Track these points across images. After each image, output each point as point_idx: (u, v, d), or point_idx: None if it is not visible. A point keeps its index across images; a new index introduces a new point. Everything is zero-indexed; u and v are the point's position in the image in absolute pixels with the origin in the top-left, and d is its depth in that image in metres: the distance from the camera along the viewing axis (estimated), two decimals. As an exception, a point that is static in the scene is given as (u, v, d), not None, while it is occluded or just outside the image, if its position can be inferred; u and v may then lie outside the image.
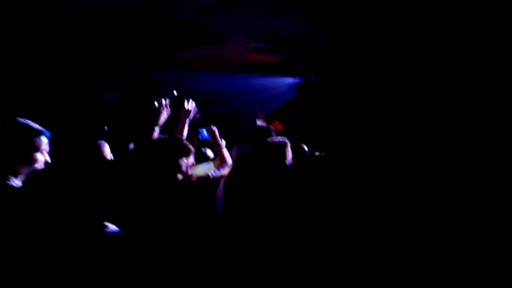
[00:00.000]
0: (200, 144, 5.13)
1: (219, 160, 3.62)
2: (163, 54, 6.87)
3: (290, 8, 4.68)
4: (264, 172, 2.55)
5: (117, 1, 4.37)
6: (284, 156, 2.87)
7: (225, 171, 3.47)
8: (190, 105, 3.67)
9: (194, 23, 5.17)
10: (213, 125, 3.75)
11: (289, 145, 2.97)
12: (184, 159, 2.69)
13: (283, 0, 4.45)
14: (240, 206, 2.33)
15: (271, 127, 3.97)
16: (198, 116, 7.41)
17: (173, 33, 5.67)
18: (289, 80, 8.06)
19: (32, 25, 5.30)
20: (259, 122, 4.36)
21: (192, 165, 2.98)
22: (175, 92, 9.95)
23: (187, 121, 3.59)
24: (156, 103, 3.53)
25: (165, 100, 3.47)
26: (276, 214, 2.27)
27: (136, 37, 5.91)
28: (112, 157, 3.78)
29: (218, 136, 3.69)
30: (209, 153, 4.58)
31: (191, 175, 2.76)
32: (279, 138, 3.09)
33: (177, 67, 7.58)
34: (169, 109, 3.55)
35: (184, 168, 2.67)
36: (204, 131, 3.89)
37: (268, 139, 3.14)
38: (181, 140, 2.90)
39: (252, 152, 2.93)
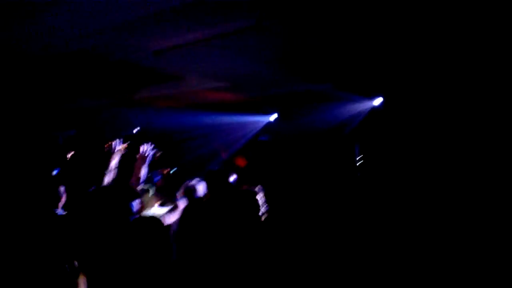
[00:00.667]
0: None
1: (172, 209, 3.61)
2: (122, 94, 6.85)
3: (245, 52, 4.79)
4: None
5: (69, 46, 4.37)
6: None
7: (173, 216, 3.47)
8: (146, 149, 3.67)
9: (152, 67, 5.20)
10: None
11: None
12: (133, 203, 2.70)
13: (236, 45, 4.53)
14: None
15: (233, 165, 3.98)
16: (158, 154, 7.38)
17: (131, 74, 5.68)
18: (254, 117, 8.13)
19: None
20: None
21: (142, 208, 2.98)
22: (138, 128, 9.91)
23: (144, 165, 3.58)
24: (108, 147, 3.51)
25: (116, 143, 3.45)
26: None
27: (93, 78, 5.90)
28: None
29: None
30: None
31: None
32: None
33: (138, 105, 7.57)
34: (121, 152, 3.53)
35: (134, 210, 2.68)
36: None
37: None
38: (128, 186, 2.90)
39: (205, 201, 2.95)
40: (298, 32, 4.32)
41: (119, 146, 3.83)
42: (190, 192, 3.55)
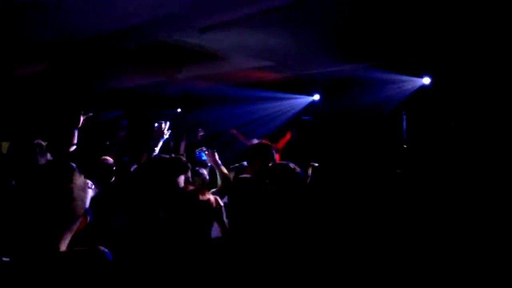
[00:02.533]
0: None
1: (223, 182, 3.59)
2: (167, 73, 6.92)
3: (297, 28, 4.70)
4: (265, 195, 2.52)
5: (114, 24, 4.41)
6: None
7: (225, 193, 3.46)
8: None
9: (198, 44, 5.20)
10: (212, 148, 3.72)
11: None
12: (181, 176, 2.70)
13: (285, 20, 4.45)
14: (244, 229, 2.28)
15: (270, 145, 3.89)
16: (201, 133, 7.45)
17: (176, 53, 5.70)
18: (297, 97, 8.07)
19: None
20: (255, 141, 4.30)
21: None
22: (179, 109, 10.02)
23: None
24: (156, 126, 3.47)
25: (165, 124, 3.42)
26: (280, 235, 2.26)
27: (138, 57, 5.97)
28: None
29: (217, 158, 3.67)
30: (205, 173, 4.53)
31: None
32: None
33: (181, 85, 7.63)
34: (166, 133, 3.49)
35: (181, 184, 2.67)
36: (204, 155, 3.86)
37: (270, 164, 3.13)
38: (179, 158, 2.87)
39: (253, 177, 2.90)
40: (344, 9, 4.20)
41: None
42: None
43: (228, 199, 2.65)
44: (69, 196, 1.38)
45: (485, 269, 2.55)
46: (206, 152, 3.73)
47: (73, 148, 3.54)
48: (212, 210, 2.31)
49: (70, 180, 1.40)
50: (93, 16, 4.30)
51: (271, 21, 4.49)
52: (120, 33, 4.77)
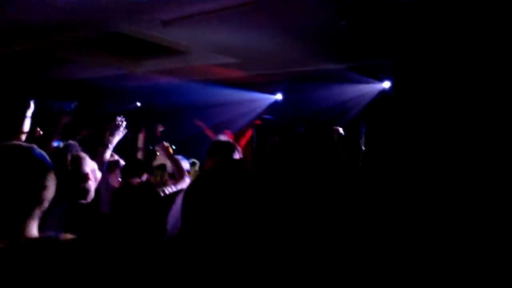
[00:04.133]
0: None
1: (178, 175, 3.51)
2: (127, 66, 6.72)
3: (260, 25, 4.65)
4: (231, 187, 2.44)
5: (73, 14, 4.23)
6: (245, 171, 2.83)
7: (182, 185, 3.38)
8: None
9: (160, 37, 5.07)
10: (165, 142, 3.63)
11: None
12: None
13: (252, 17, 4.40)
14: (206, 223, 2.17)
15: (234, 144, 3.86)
16: (161, 128, 7.30)
17: (137, 45, 5.54)
18: (260, 96, 8.05)
19: None
20: (222, 137, 4.23)
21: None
22: (138, 103, 9.82)
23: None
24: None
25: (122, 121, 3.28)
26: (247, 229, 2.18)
27: (97, 48, 5.77)
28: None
29: (171, 151, 3.58)
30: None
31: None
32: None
33: (141, 79, 7.45)
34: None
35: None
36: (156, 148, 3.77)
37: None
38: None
39: (217, 166, 2.83)
40: (308, 8, 4.19)
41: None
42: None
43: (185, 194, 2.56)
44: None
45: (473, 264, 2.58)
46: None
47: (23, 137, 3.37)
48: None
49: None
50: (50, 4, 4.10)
51: (235, 18, 4.43)
52: (80, 22, 4.59)
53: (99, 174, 2.51)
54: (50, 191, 1.33)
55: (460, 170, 4.87)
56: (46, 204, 1.31)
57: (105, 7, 4.03)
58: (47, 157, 1.34)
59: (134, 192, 2.59)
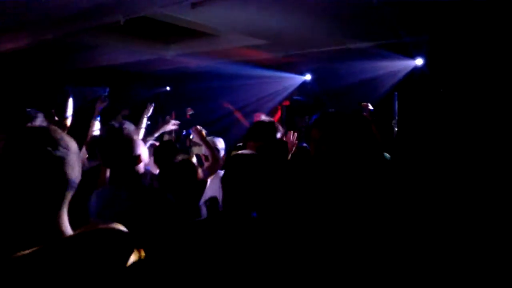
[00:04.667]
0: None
1: (212, 161, 3.48)
2: (156, 50, 6.75)
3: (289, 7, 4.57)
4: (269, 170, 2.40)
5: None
6: (287, 154, 2.80)
7: (216, 168, 3.38)
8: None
9: (189, 20, 5.05)
10: (199, 126, 3.60)
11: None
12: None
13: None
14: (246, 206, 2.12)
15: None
16: (190, 111, 7.33)
17: (166, 29, 5.54)
18: (289, 76, 7.98)
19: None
20: (264, 117, 4.14)
21: None
22: (168, 88, 9.88)
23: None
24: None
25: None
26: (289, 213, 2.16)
27: (126, 33, 5.80)
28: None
29: (205, 136, 3.56)
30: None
31: None
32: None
33: (171, 62, 7.47)
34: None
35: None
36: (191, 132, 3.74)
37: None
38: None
39: (259, 149, 2.79)
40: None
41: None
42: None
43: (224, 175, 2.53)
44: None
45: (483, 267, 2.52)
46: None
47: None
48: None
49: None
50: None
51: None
52: (109, 7, 4.60)
53: (146, 156, 2.53)
54: (75, 171, 1.13)
55: (500, 155, 4.74)
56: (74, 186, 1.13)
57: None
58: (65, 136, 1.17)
59: (181, 170, 2.58)
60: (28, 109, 2.65)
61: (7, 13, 4.84)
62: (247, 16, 4.96)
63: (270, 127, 2.97)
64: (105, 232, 1.11)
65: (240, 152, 2.15)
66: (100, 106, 3.95)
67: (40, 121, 2.81)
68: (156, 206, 2.26)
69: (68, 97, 3.66)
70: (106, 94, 5.18)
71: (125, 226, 1.16)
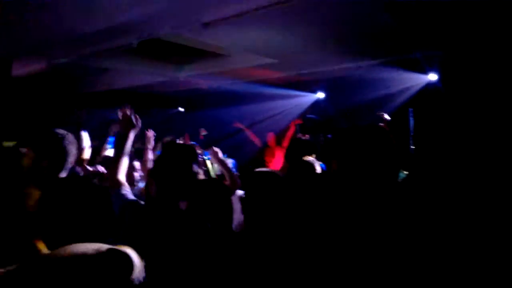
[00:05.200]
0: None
1: (230, 182, 3.43)
2: (169, 71, 6.80)
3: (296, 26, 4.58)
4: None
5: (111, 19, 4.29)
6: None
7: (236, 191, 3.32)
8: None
9: (200, 40, 5.08)
10: (215, 147, 3.59)
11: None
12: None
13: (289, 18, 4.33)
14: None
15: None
16: (204, 132, 7.32)
17: (178, 49, 5.59)
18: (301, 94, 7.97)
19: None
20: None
21: None
22: (181, 108, 9.92)
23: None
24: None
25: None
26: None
27: (137, 54, 5.86)
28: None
29: (221, 156, 3.54)
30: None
31: None
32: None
33: (183, 84, 7.52)
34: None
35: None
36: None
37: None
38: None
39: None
40: (348, 5, 4.08)
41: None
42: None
43: (246, 193, 2.46)
44: None
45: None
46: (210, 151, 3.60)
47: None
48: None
49: None
50: (92, 12, 4.18)
51: (274, 18, 4.37)
52: (121, 30, 4.66)
53: None
54: None
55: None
56: None
57: (146, 12, 4.06)
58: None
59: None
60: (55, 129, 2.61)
61: (22, 38, 4.93)
62: (259, 35, 4.99)
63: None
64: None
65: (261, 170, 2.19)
66: (114, 128, 3.96)
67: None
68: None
69: (81, 130, 3.62)
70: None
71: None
